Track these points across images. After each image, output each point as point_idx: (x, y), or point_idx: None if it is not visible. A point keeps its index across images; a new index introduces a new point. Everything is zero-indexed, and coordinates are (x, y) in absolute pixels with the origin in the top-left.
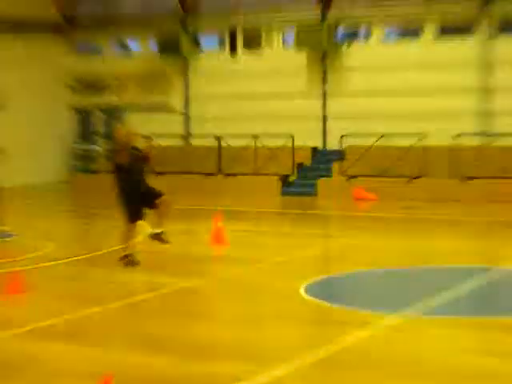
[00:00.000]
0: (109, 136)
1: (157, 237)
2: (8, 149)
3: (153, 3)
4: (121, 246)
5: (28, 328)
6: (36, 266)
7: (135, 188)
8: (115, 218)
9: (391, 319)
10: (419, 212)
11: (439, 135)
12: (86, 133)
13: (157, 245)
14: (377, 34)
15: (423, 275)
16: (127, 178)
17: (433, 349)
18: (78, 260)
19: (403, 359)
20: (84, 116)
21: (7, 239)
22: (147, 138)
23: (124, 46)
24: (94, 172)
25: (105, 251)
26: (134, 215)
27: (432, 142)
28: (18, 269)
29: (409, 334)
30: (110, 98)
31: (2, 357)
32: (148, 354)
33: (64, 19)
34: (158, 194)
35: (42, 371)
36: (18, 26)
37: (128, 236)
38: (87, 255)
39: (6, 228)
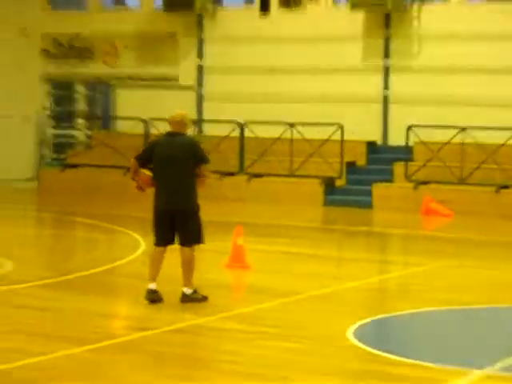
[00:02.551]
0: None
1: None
2: None
3: None
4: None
5: None
6: None
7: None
8: (100, 229)
9: (464, 375)
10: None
11: None
12: (63, 113)
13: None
14: None
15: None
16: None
17: None
18: (46, 284)
19: None
20: (61, 91)
21: None
22: None
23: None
24: (70, 166)
25: (84, 273)
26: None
27: None
28: None
29: None
30: (97, 68)
31: None
32: None
33: None
34: None
35: None
36: None
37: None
38: (59, 278)
39: None
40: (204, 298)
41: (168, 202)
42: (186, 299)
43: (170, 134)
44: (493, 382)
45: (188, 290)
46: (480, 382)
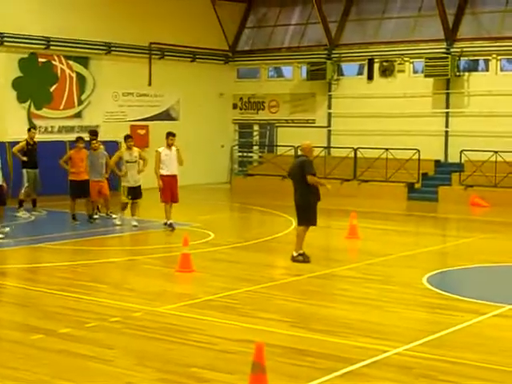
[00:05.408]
0: (263, 145)
1: (296, 259)
2: (183, 153)
3: (304, 37)
4: (295, 246)
5: (194, 301)
6: (202, 250)
7: (316, 200)
8: (267, 213)
9: (499, 309)
10: None
11: None
12: (245, 143)
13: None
14: (493, 65)
15: None
16: (314, 190)
17: None
18: (235, 247)
19: (505, 341)
20: (244, 129)
21: (181, 228)
22: None
23: (278, 72)
24: (249, 175)
25: (258, 240)
26: (309, 221)
27: None
28: (188, 252)
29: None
30: (266, 115)
31: (172, 323)
32: (293, 328)
33: (231, 50)
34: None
35: (202, 336)
36: (196, 54)
37: (302, 237)
38: (243, 243)
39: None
40: (305, 261)
41: (318, 197)
42: (292, 259)
43: (296, 156)
44: None
45: (294, 253)
46: (510, 311)
